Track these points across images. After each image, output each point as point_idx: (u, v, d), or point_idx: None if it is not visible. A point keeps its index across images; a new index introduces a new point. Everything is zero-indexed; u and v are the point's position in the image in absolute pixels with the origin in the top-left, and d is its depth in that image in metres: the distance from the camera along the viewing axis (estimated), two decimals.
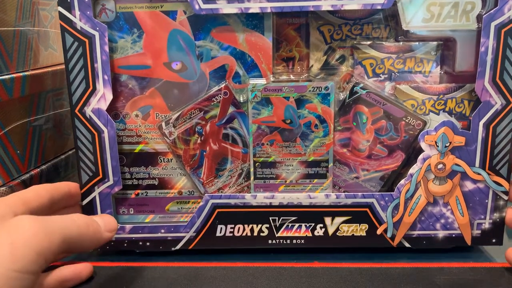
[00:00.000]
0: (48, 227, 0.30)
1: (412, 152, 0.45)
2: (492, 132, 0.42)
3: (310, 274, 0.42)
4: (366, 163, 0.45)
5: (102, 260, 0.45)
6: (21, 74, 0.45)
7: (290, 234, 0.46)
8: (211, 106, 0.44)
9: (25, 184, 0.46)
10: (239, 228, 0.46)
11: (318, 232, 0.46)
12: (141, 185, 0.47)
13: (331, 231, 0.45)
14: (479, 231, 0.45)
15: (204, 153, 0.45)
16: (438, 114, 0.44)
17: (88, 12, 0.41)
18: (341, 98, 0.44)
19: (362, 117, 0.44)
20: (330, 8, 0.40)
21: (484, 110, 0.42)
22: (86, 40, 0.41)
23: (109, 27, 0.42)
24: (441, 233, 0.45)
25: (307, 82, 0.43)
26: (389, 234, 0.45)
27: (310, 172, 0.45)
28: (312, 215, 0.45)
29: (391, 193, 0.44)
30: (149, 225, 0.46)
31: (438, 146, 0.43)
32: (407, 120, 0.44)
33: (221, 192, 0.46)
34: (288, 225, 0.46)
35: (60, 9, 0.40)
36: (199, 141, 0.45)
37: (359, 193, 0.44)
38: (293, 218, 0.45)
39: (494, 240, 0.45)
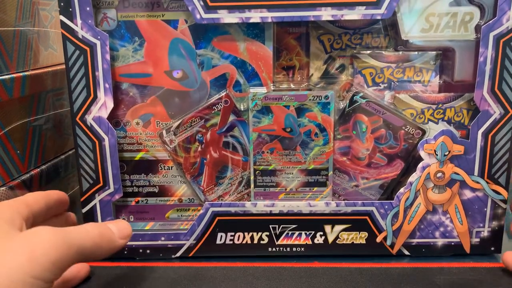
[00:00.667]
0: (65, 239, 0.31)
1: (412, 161, 0.45)
2: (491, 141, 0.42)
3: (310, 274, 0.42)
4: (366, 171, 0.45)
5: (102, 260, 0.45)
6: (21, 74, 0.45)
7: (290, 242, 0.46)
8: (212, 114, 0.44)
9: (25, 184, 0.46)
10: (239, 236, 0.46)
11: (318, 240, 0.46)
12: (142, 192, 0.47)
13: (331, 239, 0.46)
14: (478, 239, 0.45)
15: (205, 161, 0.45)
16: (437, 123, 0.44)
17: (89, 21, 0.41)
18: (341, 107, 0.44)
19: (362, 126, 0.44)
20: (330, 18, 0.41)
21: (483, 119, 0.42)
22: (88, 49, 0.41)
23: (110, 35, 0.42)
24: (440, 241, 0.45)
25: (307, 91, 0.43)
26: (388, 242, 0.45)
27: (310, 180, 0.45)
28: (312, 223, 0.45)
29: (391, 201, 0.44)
30: (149, 232, 0.46)
31: (437, 155, 0.43)
32: (406, 129, 0.44)
33: (221, 200, 0.46)
34: (288, 233, 0.46)
35: (62, 18, 0.41)
36: (199, 149, 0.45)
37: (359, 201, 0.45)
38: (293, 226, 0.45)
39: (492, 248, 0.45)
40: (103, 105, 0.43)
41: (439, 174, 0.43)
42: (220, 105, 0.44)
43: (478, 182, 0.43)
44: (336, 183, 0.46)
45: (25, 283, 0.28)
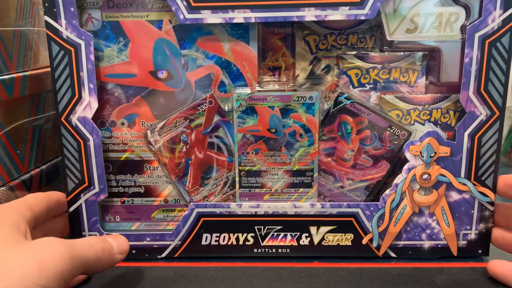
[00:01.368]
0: (72, 252, 0.32)
1: (397, 162, 0.45)
2: (477, 143, 0.42)
3: (310, 274, 0.42)
4: (351, 172, 0.45)
5: None
6: (21, 74, 0.45)
7: (275, 243, 0.46)
8: (197, 115, 0.44)
9: (25, 184, 0.47)
10: (224, 236, 0.46)
11: (303, 241, 0.45)
12: (127, 192, 0.47)
13: (316, 240, 0.45)
14: (465, 242, 0.45)
15: (190, 161, 0.45)
16: (423, 124, 0.44)
17: (74, 21, 0.41)
18: (325, 108, 0.44)
19: (347, 127, 0.44)
20: (314, 19, 0.40)
21: (469, 121, 0.42)
22: (72, 49, 0.41)
23: (95, 36, 0.43)
24: (427, 244, 0.45)
25: (291, 92, 0.43)
26: (374, 244, 0.45)
27: (295, 181, 0.45)
28: (297, 224, 0.45)
29: (376, 203, 0.44)
30: (135, 233, 0.46)
31: (423, 156, 0.42)
32: (392, 130, 0.44)
33: (207, 200, 0.46)
34: (273, 234, 0.45)
35: (47, 18, 0.41)
36: (184, 149, 0.45)
37: (344, 203, 0.44)
38: (279, 227, 0.45)
39: (480, 251, 0.45)
40: (88, 105, 0.43)
41: (425, 176, 0.43)
42: (205, 105, 0.44)
43: (464, 184, 0.43)
44: (321, 184, 0.46)
45: None
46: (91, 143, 0.43)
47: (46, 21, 0.41)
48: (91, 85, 0.42)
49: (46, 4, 0.40)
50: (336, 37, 0.44)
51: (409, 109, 0.43)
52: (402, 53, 0.43)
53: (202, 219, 0.45)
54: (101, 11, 0.42)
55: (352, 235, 0.45)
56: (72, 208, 0.45)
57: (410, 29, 0.41)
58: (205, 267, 0.44)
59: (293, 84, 0.45)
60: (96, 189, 0.44)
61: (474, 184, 0.43)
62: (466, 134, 0.42)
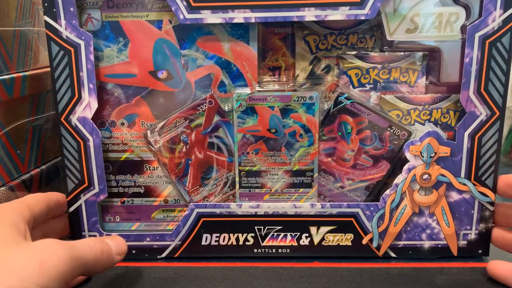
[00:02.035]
0: (72, 253, 0.32)
1: (398, 162, 0.45)
2: (478, 143, 0.42)
3: (310, 274, 0.42)
4: (351, 172, 0.45)
5: None
6: (21, 74, 0.45)
7: (275, 243, 0.46)
8: (196, 115, 0.44)
9: (25, 184, 0.47)
10: (224, 237, 0.46)
11: (303, 242, 0.45)
12: (127, 193, 0.47)
13: (316, 240, 0.45)
14: (465, 242, 0.45)
15: (190, 161, 0.45)
16: (423, 124, 0.44)
17: (73, 21, 0.41)
18: (326, 108, 0.44)
19: (347, 127, 0.44)
20: (314, 19, 0.40)
21: (469, 121, 0.42)
22: (72, 49, 0.41)
23: (95, 36, 0.42)
24: (427, 244, 0.45)
25: (291, 92, 0.43)
26: (374, 244, 0.45)
27: (295, 182, 0.45)
28: (297, 224, 0.45)
29: (377, 203, 0.44)
30: (135, 233, 0.46)
31: (423, 157, 0.42)
32: (392, 130, 0.44)
33: (207, 201, 0.46)
34: (273, 234, 0.45)
35: (46, 18, 0.41)
36: (184, 149, 0.45)
37: (344, 203, 0.44)
38: (279, 227, 0.45)
39: (480, 251, 0.45)
40: (88, 105, 0.43)
41: (425, 176, 0.43)
42: (205, 105, 0.44)
43: (465, 184, 0.43)
44: (321, 184, 0.46)
45: None
46: (91, 143, 0.43)
47: (45, 21, 0.41)
48: (91, 85, 0.42)
49: (46, 4, 0.40)
50: (336, 37, 0.44)
51: (409, 109, 0.43)
52: (402, 53, 0.43)
53: (202, 219, 0.45)
54: (100, 11, 0.42)
55: (352, 235, 0.45)
56: (72, 208, 0.45)
57: (410, 29, 0.41)
58: (205, 267, 0.44)
59: (293, 84, 0.45)
60: (96, 189, 0.44)
61: (474, 184, 0.43)
62: (466, 134, 0.42)
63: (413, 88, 0.44)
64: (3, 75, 0.44)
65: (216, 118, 0.44)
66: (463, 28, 0.41)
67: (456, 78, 0.42)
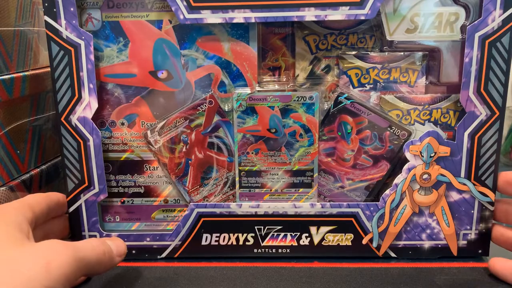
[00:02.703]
0: (76, 254, 0.32)
1: (397, 162, 0.45)
2: (477, 143, 0.42)
3: (310, 274, 0.42)
4: (351, 172, 0.45)
5: None
6: (21, 74, 0.45)
7: (275, 243, 0.46)
8: (197, 115, 0.44)
9: (25, 184, 0.47)
10: (224, 237, 0.46)
11: (303, 242, 0.45)
12: (127, 193, 0.47)
13: (316, 240, 0.45)
14: (465, 242, 0.45)
15: (190, 161, 0.45)
16: (423, 124, 0.44)
17: (74, 21, 0.41)
18: (325, 108, 0.44)
19: (347, 127, 0.44)
20: (314, 19, 0.40)
21: (469, 121, 0.42)
22: (72, 49, 0.41)
23: (95, 36, 0.42)
24: (427, 244, 0.45)
25: (291, 92, 0.43)
26: (374, 244, 0.45)
27: (295, 181, 0.45)
28: (297, 224, 0.45)
29: (376, 203, 0.44)
30: (135, 233, 0.46)
31: (423, 156, 0.42)
32: (392, 130, 0.44)
33: (207, 200, 0.46)
34: (273, 234, 0.45)
35: (46, 18, 0.41)
36: (184, 149, 0.45)
37: (344, 203, 0.44)
38: (279, 227, 0.45)
39: (480, 251, 0.45)
40: (88, 105, 0.43)
41: (425, 176, 0.43)
42: (205, 105, 0.44)
43: (464, 184, 0.43)
44: (321, 184, 0.46)
45: None
46: (91, 143, 0.43)
47: (46, 21, 0.41)
48: (91, 85, 0.42)
49: (46, 4, 0.40)
50: (336, 37, 0.44)
51: (409, 109, 0.43)
52: (402, 53, 0.43)
53: (202, 219, 0.45)
54: (101, 11, 0.42)
55: (352, 235, 0.45)
56: (72, 208, 0.45)
57: (410, 29, 0.41)
58: (205, 267, 0.44)
59: (293, 84, 0.45)
60: (96, 189, 0.44)
61: (474, 184, 0.43)
62: (466, 134, 0.42)
63: (413, 88, 0.44)
64: (3, 75, 0.44)
65: (216, 118, 0.44)
66: (463, 28, 0.41)
67: (456, 78, 0.43)
